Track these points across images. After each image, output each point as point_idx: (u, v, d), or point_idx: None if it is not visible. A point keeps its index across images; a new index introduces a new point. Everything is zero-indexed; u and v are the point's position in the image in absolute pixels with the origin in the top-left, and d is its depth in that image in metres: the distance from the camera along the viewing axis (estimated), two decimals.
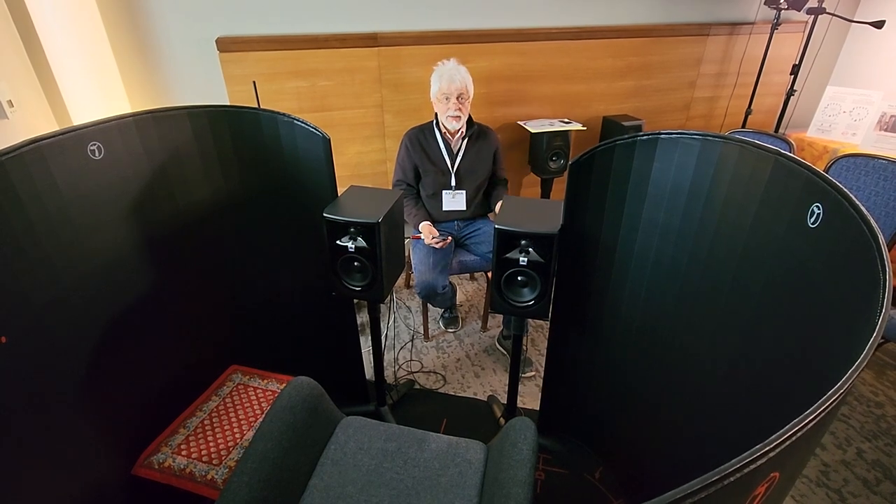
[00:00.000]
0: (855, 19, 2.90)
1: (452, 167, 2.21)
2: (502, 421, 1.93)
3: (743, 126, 3.13)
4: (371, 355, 1.90)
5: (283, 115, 1.50)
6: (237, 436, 1.46)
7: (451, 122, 2.12)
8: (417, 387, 2.18)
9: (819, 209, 0.89)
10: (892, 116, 2.65)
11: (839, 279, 0.82)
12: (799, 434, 0.50)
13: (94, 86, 2.29)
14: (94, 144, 1.26)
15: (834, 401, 0.53)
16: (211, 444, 1.43)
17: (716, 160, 1.15)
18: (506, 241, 1.38)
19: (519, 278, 1.43)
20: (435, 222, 2.24)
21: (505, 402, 1.91)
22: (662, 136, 1.23)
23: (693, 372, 1.27)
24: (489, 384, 2.18)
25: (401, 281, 2.92)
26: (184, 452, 1.40)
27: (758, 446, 0.48)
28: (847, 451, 1.83)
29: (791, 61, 2.96)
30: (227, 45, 2.41)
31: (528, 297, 1.45)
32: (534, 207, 1.50)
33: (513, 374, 1.73)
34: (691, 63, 3.11)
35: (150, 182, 1.42)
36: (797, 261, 0.94)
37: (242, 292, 1.77)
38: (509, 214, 1.41)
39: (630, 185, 1.31)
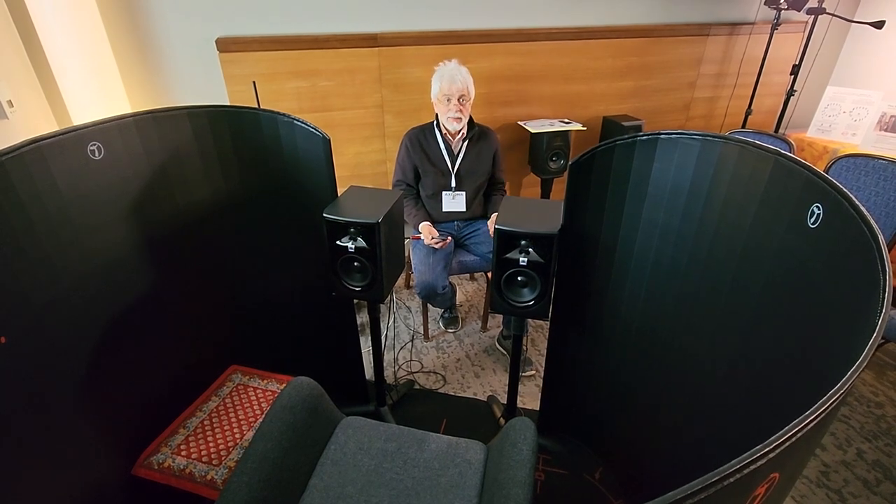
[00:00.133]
0: (855, 19, 2.91)
1: (453, 168, 2.21)
2: (502, 421, 1.93)
3: (743, 126, 3.13)
4: (371, 355, 1.89)
5: (283, 115, 1.50)
6: (237, 436, 1.46)
7: (452, 123, 2.12)
8: (417, 387, 2.18)
9: (819, 209, 0.89)
10: (892, 116, 2.65)
11: (839, 279, 0.82)
12: (799, 435, 0.50)
13: (94, 86, 2.29)
14: (94, 144, 1.26)
15: (834, 401, 0.53)
16: (211, 444, 1.43)
17: (715, 160, 1.15)
18: (506, 241, 1.38)
19: (519, 278, 1.43)
20: (435, 222, 2.24)
21: (505, 403, 1.91)
22: (662, 136, 1.23)
23: (693, 372, 1.27)
24: (489, 384, 2.18)
25: (401, 281, 2.92)
26: (183, 453, 1.40)
27: (757, 447, 0.48)
28: (847, 452, 1.83)
29: (791, 61, 2.96)
30: (227, 45, 2.41)
31: (527, 297, 1.45)
32: (534, 207, 1.50)
33: (513, 375, 1.73)
34: (691, 63, 3.11)
35: (150, 182, 1.42)
36: (797, 261, 0.94)
37: (242, 292, 1.77)
38: (509, 214, 1.41)
39: (630, 185, 1.31)
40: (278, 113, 1.51)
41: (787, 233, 0.97)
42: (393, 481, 1.21)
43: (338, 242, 1.46)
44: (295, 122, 1.49)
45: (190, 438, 1.44)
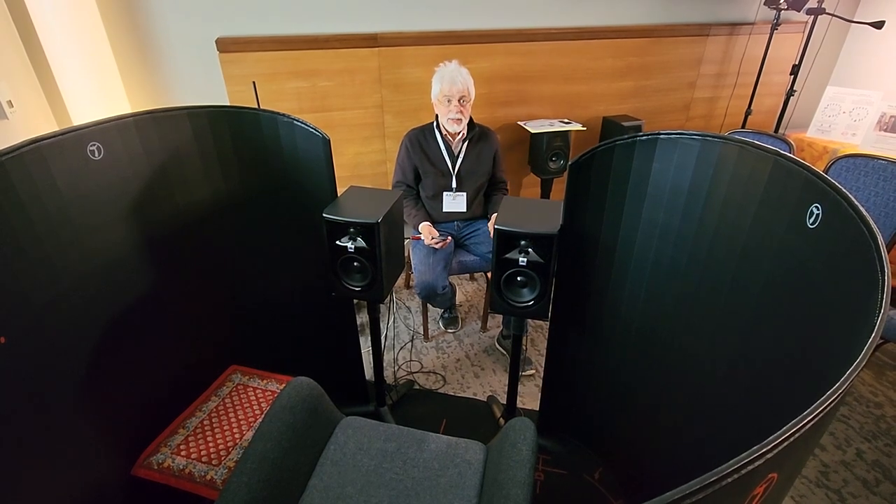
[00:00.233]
0: (855, 20, 2.91)
1: (453, 169, 2.21)
2: (502, 421, 1.93)
3: (743, 126, 3.13)
4: (371, 355, 1.90)
5: (283, 115, 1.51)
6: (237, 436, 1.46)
7: (453, 124, 2.12)
8: (417, 387, 2.18)
9: (818, 210, 0.89)
10: (891, 117, 2.65)
11: (838, 279, 0.82)
12: (797, 435, 0.50)
13: (94, 86, 2.29)
14: (94, 145, 1.27)
15: (832, 402, 0.53)
16: (210, 444, 1.43)
17: (715, 160, 1.15)
18: (505, 241, 1.38)
19: (518, 278, 1.44)
20: (434, 223, 2.24)
21: (504, 403, 1.91)
22: (662, 136, 1.23)
23: (692, 372, 1.28)
24: (489, 384, 2.18)
25: (400, 281, 2.92)
26: (183, 453, 1.40)
27: (755, 447, 0.48)
28: (847, 452, 1.83)
29: (791, 61, 2.96)
30: (227, 45, 2.41)
31: (527, 297, 1.45)
32: (533, 208, 1.50)
33: (512, 375, 1.73)
34: (691, 63, 3.11)
35: (150, 182, 1.42)
36: (796, 261, 0.94)
37: (242, 292, 1.77)
38: (509, 214, 1.41)
39: (630, 185, 1.31)
40: (278, 113, 1.51)
41: (786, 233, 0.97)
42: (392, 481, 1.21)
43: (337, 242, 1.46)
44: (295, 122, 1.49)
45: (190, 438, 1.45)
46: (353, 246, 1.45)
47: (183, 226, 1.54)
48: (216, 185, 1.58)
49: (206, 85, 2.53)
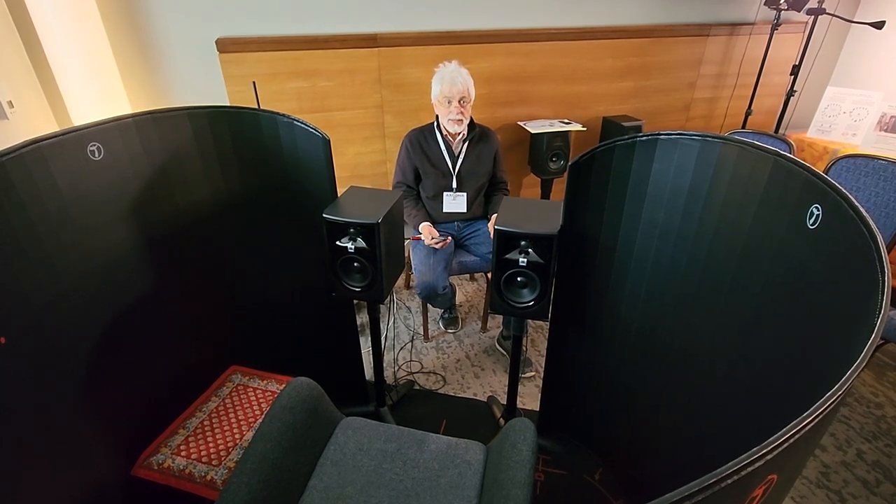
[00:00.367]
0: (855, 20, 2.91)
1: (454, 169, 2.21)
2: (502, 422, 1.93)
3: (743, 127, 3.13)
4: (371, 356, 1.90)
5: (283, 115, 1.51)
6: (237, 436, 1.46)
7: (453, 125, 2.12)
8: (417, 387, 2.18)
9: (818, 210, 0.89)
10: (892, 117, 2.65)
11: (838, 280, 0.82)
12: (796, 436, 0.50)
13: (95, 86, 2.29)
14: (94, 145, 1.27)
15: (831, 403, 0.53)
16: (210, 444, 1.43)
17: (715, 161, 1.15)
18: (505, 241, 1.38)
19: (519, 279, 1.44)
20: (435, 223, 2.24)
21: (504, 403, 1.91)
22: (662, 136, 1.23)
23: (692, 372, 1.27)
24: (489, 385, 2.18)
25: (401, 281, 2.92)
26: (183, 453, 1.40)
27: (755, 449, 0.48)
28: (847, 453, 1.83)
29: (791, 62, 2.96)
30: (227, 45, 2.41)
31: (527, 297, 1.45)
32: (533, 208, 1.50)
33: (512, 375, 1.73)
34: (691, 64, 3.11)
35: (150, 182, 1.42)
36: (796, 261, 0.94)
37: (242, 292, 1.77)
38: (509, 215, 1.41)
39: (630, 185, 1.31)
40: (278, 113, 1.51)
41: (786, 233, 0.97)
42: (392, 482, 1.21)
43: (338, 243, 1.46)
44: (295, 122, 1.49)
45: (190, 439, 1.45)
46: (353, 246, 1.45)
47: (183, 226, 1.54)
48: (216, 186, 1.58)
49: (206, 85, 2.53)
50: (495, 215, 1.61)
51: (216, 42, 2.40)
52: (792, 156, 0.99)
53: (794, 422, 0.50)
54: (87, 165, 1.25)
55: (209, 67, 2.47)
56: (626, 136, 1.27)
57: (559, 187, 3.09)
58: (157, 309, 1.50)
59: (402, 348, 2.41)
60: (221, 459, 1.38)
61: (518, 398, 1.94)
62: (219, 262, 1.67)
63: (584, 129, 2.83)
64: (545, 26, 2.80)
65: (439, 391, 2.15)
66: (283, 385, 1.49)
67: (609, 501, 1.65)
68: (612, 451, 1.72)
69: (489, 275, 2.02)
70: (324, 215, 1.43)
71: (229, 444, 1.43)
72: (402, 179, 2.26)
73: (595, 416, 1.72)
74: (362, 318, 2.50)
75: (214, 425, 1.50)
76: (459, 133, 2.19)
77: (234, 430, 1.48)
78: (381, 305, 2.04)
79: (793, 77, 2.94)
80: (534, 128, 2.79)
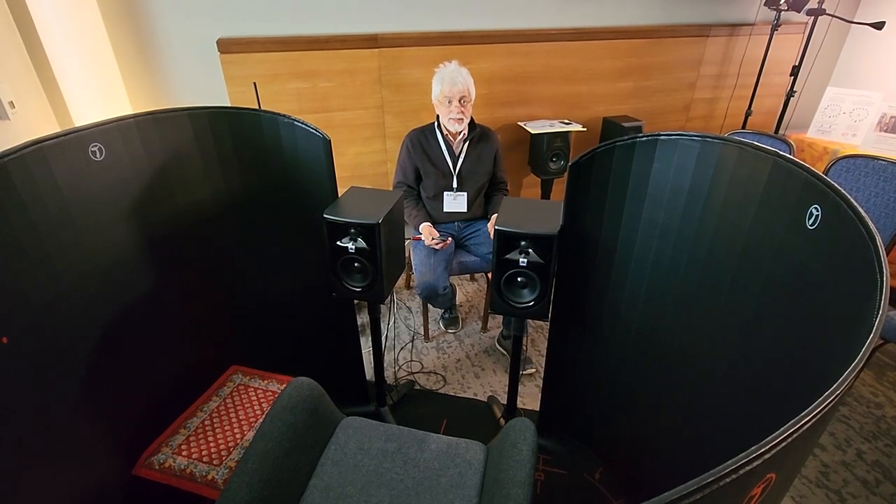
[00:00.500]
0: (855, 20, 2.91)
1: (454, 169, 2.21)
2: (502, 421, 1.93)
3: (743, 127, 3.13)
4: (371, 356, 1.90)
5: (284, 116, 1.51)
6: (237, 436, 1.46)
7: (454, 125, 2.12)
8: (417, 387, 2.18)
9: (818, 211, 0.89)
10: (892, 117, 2.65)
11: (838, 280, 0.82)
12: (795, 436, 0.50)
13: (96, 87, 2.29)
14: (96, 145, 1.27)
15: (830, 402, 0.53)
16: (211, 444, 1.43)
17: (715, 161, 1.15)
18: (505, 242, 1.38)
19: (519, 279, 1.44)
20: (435, 223, 2.25)
21: (505, 403, 1.91)
22: (662, 137, 1.23)
23: (692, 372, 1.28)
24: (489, 385, 2.19)
25: (401, 282, 2.92)
26: (184, 453, 1.40)
27: (753, 447, 0.48)
28: (847, 452, 1.83)
29: (791, 62, 2.96)
30: (227, 46, 2.41)
31: (527, 297, 1.45)
32: (533, 208, 1.50)
33: (513, 375, 1.73)
34: (691, 64, 3.11)
35: (151, 183, 1.43)
36: (796, 262, 0.94)
37: (242, 292, 1.77)
38: (509, 215, 1.42)
39: (630, 185, 1.31)
40: (279, 114, 1.51)
41: (786, 233, 0.98)
42: (393, 481, 1.21)
43: (338, 243, 1.46)
44: (295, 122, 1.50)
45: (191, 438, 1.45)
46: (353, 246, 1.45)
47: (183, 226, 1.54)
48: (217, 186, 1.58)
49: (206, 86, 2.53)
50: (495, 215, 1.62)
51: (217, 42, 2.40)
52: (791, 156, 0.99)
53: (793, 421, 0.50)
54: (88, 166, 1.25)
55: (210, 68, 2.47)
56: (626, 137, 1.27)
57: (559, 187, 3.09)
58: (158, 309, 1.50)
59: (402, 348, 2.41)
60: (222, 459, 1.38)
61: (518, 398, 1.94)
62: (219, 262, 1.67)
63: (585, 129, 2.83)
64: (545, 27, 2.80)
65: (440, 391, 2.16)
66: (284, 385, 1.49)
67: (609, 501, 1.65)
68: (613, 450, 1.72)
69: (489, 275, 2.03)
70: (324, 215, 1.43)
71: (230, 444, 1.43)
72: (403, 179, 2.27)
73: (595, 416, 1.72)
74: (363, 318, 2.51)
75: (215, 425, 1.50)
76: (460, 133, 2.19)
77: (235, 430, 1.48)
78: (382, 305, 2.04)
79: (793, 77, 2.95)
80: (534, 128, 2.79)
